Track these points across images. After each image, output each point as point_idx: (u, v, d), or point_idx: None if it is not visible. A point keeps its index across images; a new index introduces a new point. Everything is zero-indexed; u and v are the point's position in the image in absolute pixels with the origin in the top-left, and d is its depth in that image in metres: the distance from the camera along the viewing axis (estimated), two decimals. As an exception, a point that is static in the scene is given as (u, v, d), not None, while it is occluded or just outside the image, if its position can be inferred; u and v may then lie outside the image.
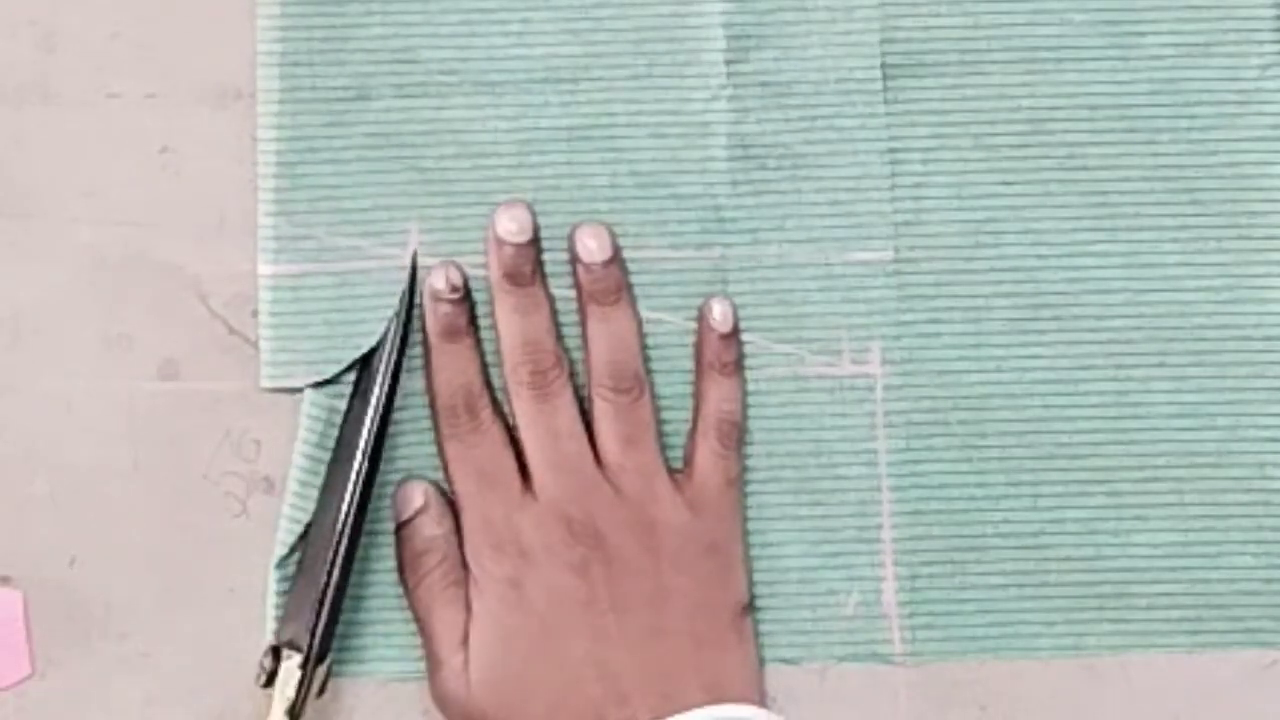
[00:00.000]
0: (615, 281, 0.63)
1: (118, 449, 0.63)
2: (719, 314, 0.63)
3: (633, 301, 0.64)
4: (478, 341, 0.63)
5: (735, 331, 0.64)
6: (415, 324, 0.63)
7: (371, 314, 0.63)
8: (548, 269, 0.64)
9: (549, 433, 0.62)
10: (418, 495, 0.63)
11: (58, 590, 0.63)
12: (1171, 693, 0.63)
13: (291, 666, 0.60)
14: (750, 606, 0.63)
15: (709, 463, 0.63)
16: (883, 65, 0.64)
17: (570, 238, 0.64)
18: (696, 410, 0.64)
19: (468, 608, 0.62)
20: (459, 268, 0.63)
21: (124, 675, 0.63)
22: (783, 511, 0.63)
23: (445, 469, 0.63)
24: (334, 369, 0.63)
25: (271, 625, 0.62)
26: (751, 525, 0.63)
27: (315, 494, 0.63)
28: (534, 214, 0.63)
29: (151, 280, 0.64)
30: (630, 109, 0.64)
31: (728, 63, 0.64)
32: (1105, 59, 0.64)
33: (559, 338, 0.63)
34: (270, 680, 0.60)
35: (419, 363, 0.64)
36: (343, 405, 0.63)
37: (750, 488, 0.64)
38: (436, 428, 0.63)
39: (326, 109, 0.64)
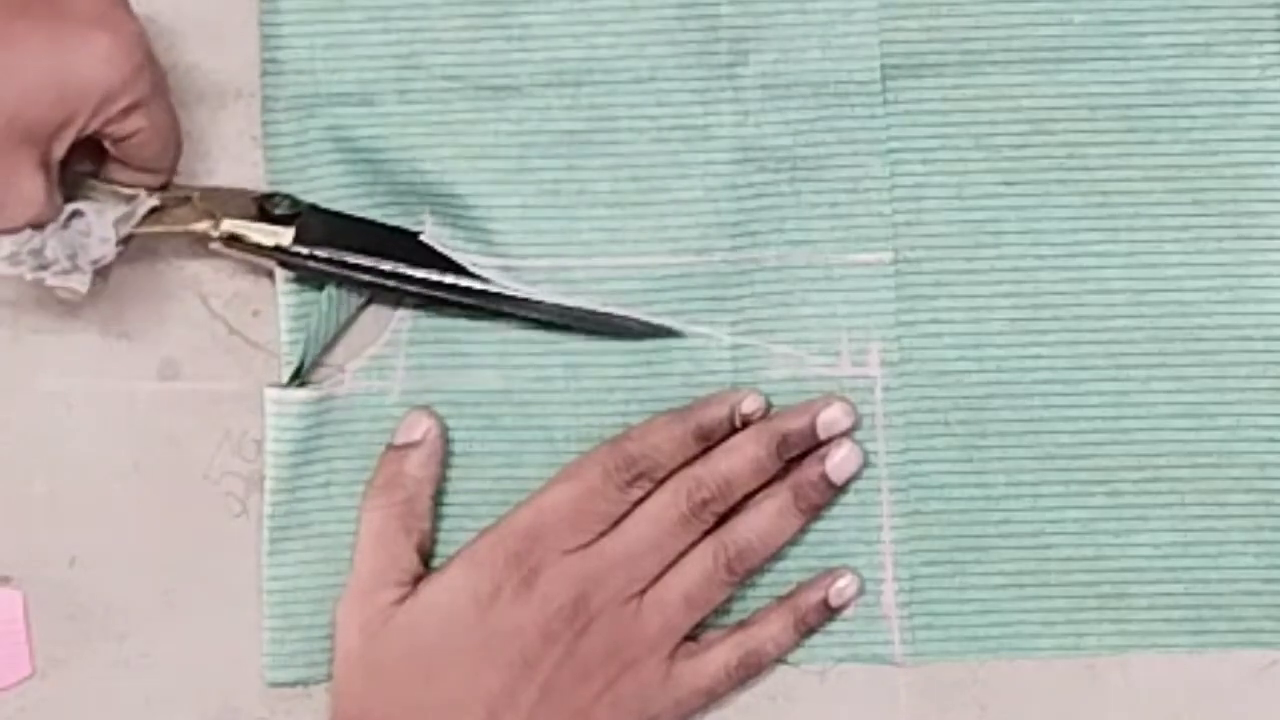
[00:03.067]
0: (824, 499, 0.62)
1: (118, 449, 0.64)
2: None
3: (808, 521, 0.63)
4: (710, 449, 0.62)
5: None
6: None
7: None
8: (549, 271, 0.64)
9: (651, 542, 0.61)
10: (418, 430, 0.62)
11: (58, 590, 0.63)
12: (1171, 693, 0.62)
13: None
14: None
15: (713, 668, 0.62)
16: (882, 67, 0.64)
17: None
18: (752, 620, 0.63)
19: (419, 552, 0.61)
20: (766, 401, 0.63)
21: (124, 675, 0.63)
22: (782, 513, 0.64)
23: (566, 472, 0.62)
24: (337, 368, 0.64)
25: (271, 625, 0.63)
26: (751, 527, 0.63)
27: (295, 491, 0.63)
28: None
29: (151, 280, 0.64)
30: (631, 113, 0.64)
31: (728, 66, 0.64)
32: (1105, 59, 0.64)
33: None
34: None
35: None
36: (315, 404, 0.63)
37: (750, 489, 0.64)
38: (605, 457, 0.62)
39: (328, 113, 0.64)
